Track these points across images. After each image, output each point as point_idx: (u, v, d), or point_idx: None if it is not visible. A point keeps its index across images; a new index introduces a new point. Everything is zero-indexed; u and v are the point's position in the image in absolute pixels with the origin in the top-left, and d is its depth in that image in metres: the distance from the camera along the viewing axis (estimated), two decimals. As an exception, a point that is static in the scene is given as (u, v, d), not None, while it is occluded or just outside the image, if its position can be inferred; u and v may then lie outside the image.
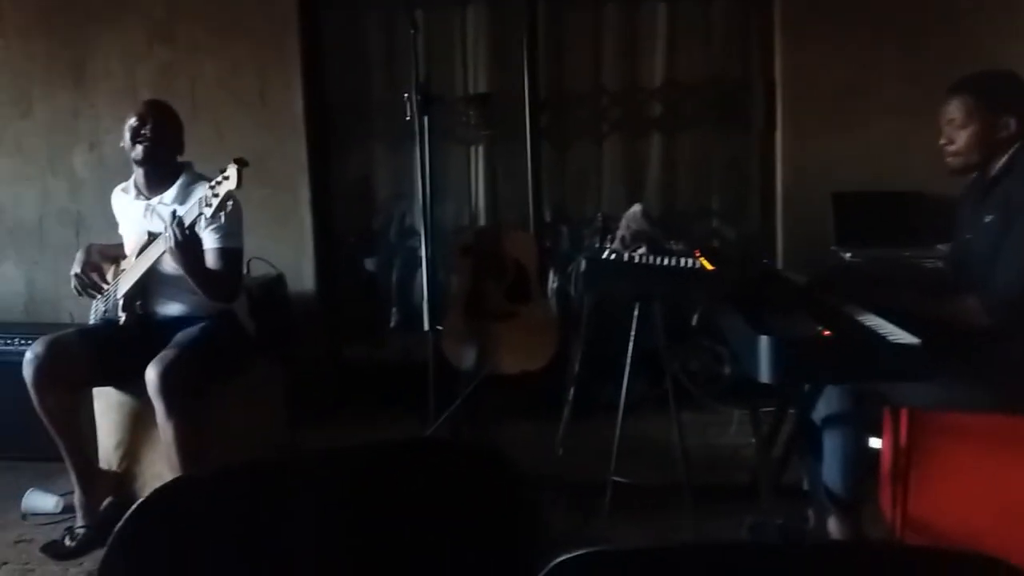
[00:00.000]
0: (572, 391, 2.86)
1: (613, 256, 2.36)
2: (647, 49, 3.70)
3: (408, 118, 2.90)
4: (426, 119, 2.85)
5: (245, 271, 2.93)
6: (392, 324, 3.92)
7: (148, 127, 2.61)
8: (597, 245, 2.57)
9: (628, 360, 2.46)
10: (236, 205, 2.48)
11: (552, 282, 3.44)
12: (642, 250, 2.40)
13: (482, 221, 3.70)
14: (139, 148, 2.62)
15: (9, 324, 3.44)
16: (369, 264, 3.95)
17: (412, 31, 2.92)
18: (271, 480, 1.06)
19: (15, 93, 3.70)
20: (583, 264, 2.60)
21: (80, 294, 2.71)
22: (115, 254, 2.76)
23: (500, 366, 3.01)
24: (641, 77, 3.72)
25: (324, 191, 3.80)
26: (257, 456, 1.05)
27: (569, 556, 0.83)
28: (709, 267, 2.24)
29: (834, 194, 3.36)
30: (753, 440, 2.45)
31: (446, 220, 3.77)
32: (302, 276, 3.67)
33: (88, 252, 2.72)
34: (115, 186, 2.81)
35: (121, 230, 2.78)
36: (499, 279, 3.21)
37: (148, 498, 0.92)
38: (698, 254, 2.34)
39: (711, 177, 3.76)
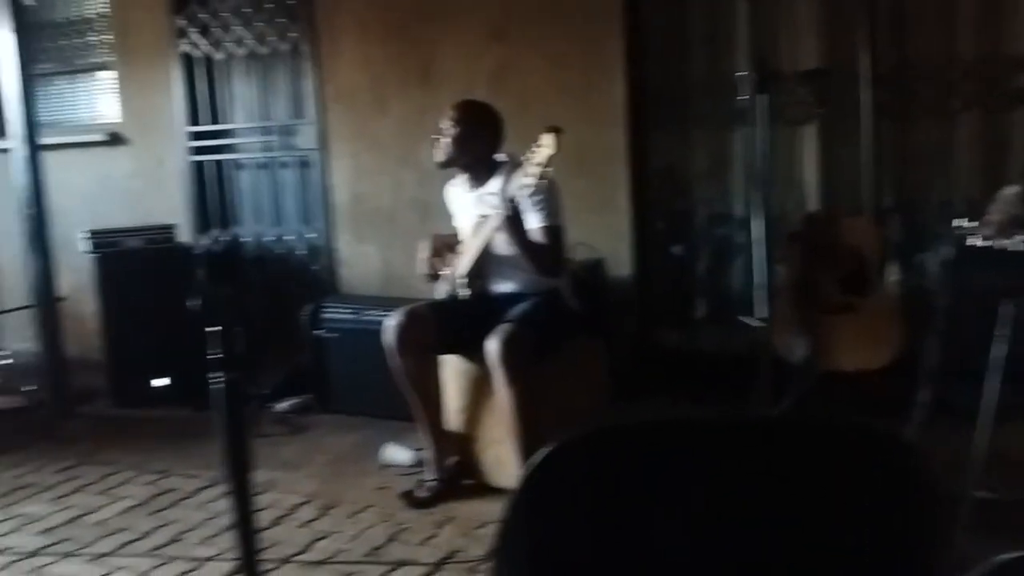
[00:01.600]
0: (924, 393, 2.60)
1: (984, 244, 2.11)
2: (1011, 10, 3.25)
3: (741, 98, 2.82)
4: (764, 98, 2.75)
5: (571, 255, 3.06)
6: (699, 313, 3.86)
7: (452, 130, 2.83)
8: (960, 232, 2.30)
9: (994, 362, 2.18)
10: (555, 187, 2.61)
11: (894, 273, 3.16)
12: (1021, 237, 2.11)
13: (811, 206, 3.49)
14: (440, 152, 2.84)
15: (369, 297, 3.93)
16: (678, 250, 3.93)
17: (746, 4, 2.83)
18: (659, 443, 1.06)
19: (374, 94, 4.18)
20: (946, 253, 2.35)
21: (428, 279, 3.00)
22: (453, 241, 3.03)
23: (835, 362, 2.83)
24: (1005, 44, 3.27)
25: (640, 178, 3.84)
26: (650, 417, 1.05)
27: (1010, 556, 0.74)
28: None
29: None
30: None
31: (770, 205, 3.62)
32: (619, 261, 3.75)
33: (432, 241, 3.01)
34: (451, 180, 3.08)
35: (456, 220, 3.04)
36: (833, 269, 3.02)
37: (548, 453, 0.96)
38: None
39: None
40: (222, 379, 1.68)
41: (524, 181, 2.49)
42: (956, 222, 2.29)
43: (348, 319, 3.72)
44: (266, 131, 4.51)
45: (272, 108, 4.50)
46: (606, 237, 3.70)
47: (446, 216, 3.23)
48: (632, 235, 3.78)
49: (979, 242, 2.17)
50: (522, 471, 0.95)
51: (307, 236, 4.43)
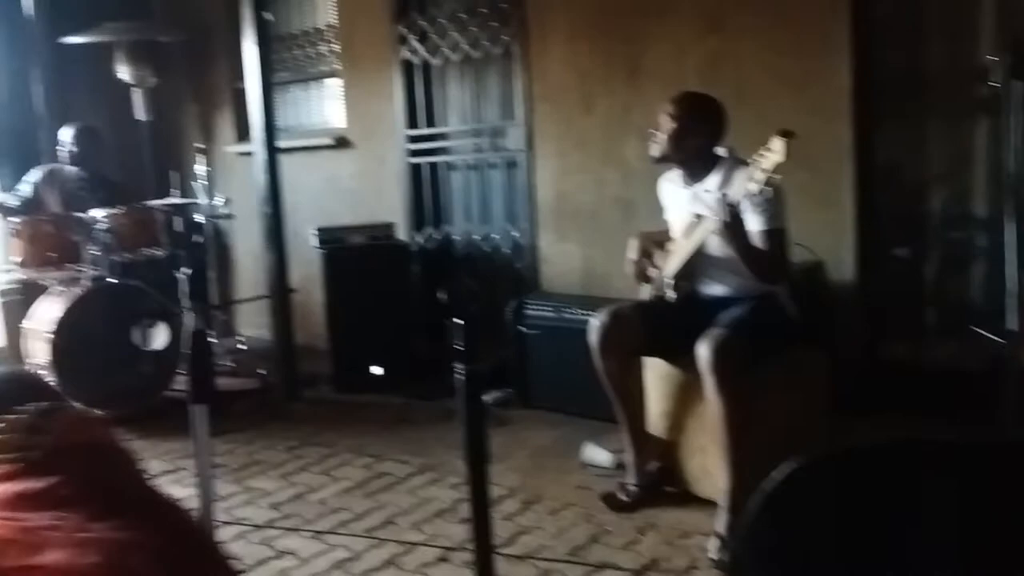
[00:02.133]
0: None
1: None
2: None
3: (991, 84, 2.52)
4: (1019, 85, 2.44)
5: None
6: (930, 322, 3.51)
7: (669, 124, 2.71)
8: None
9: None
10: (778, 186, 2.44)
11: None
12: None
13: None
14: (655, 146, 2.74)
15: (571, 296, 3.94)
16: (907, 254, 3.59)
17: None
18: (903, 466, 0.96)
19: (581, 92, 4.17)
20: None
21: (637, 279, 2.94)
22: (661, 239, 2.93)
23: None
24: None
25: (867, 174, 3.54)
26: (889, 439, 0.95)
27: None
28: None
29: None
30: None
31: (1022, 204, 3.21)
32: (841, 264, 3.49)
33: (640, 239, 2.94)
34: (661, 175, 2.98)
35: (667, 215, 2.94)
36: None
37: (793, 469, 0.89)
38: None
39: None
40: (463, 371, 1.73)
41: (748, 187, 2.35)
42: None
43: (549, 316, 3.75)
44: (477, 133, 4.65)
45: (483, 110, 4.63)
46: (827, 238, 3.45)
47: (649, 214, 3.15)
48: (856, 236, 3.50)
49: None
50: (763, 487, 0.89)
51: (512, 234, 4.52)
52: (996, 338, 2.55)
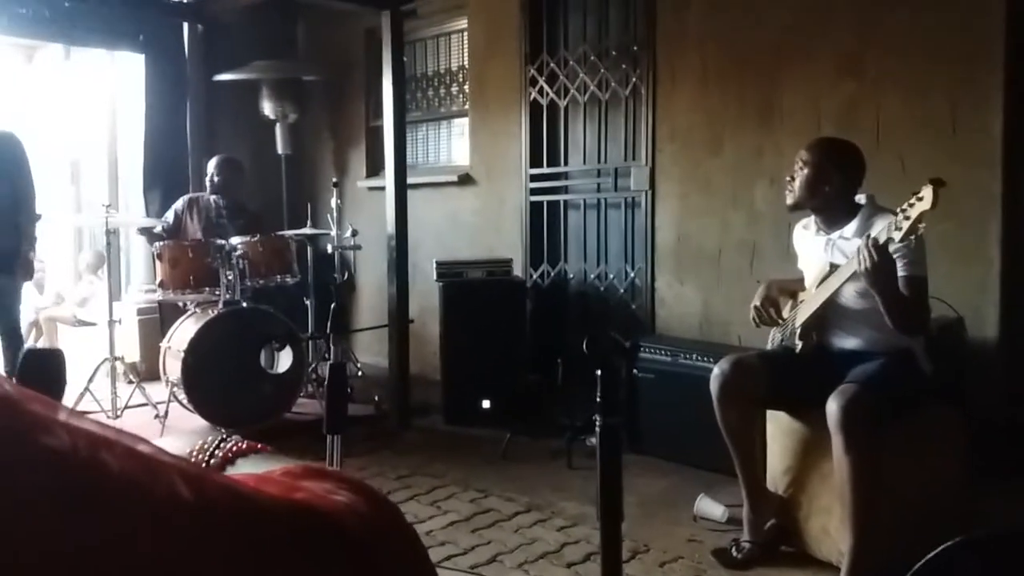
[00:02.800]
0: None
1: None
2: None
3: None
4: None
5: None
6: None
7: (803, 171, 2.61)
8: None
9: None
10: (920, 236, 2.30)
11: None
12: None
13: None
14: (789, 194, 2.65)
15: (687, 341, 3.84)
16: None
17: None
18: None
19: (709, 134, 4.11)
20: None
21: (758, 325, 2.83)
22: (793, 288, 2.82)
23: None
24: None
25: (1016, 227, 3.30)
26: None
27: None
28: None
29: None
30: None
31: None
32: (984, 321, 3.25)
33: (768, 287, 2.83)
34: (793, 221, 2.87)
35: (801, 264, 2.82)
36: None
37: (949, 547, 0.81)
38: None
39: None
40: (603, 423, 1.71)
41: (893, 235, 2.24)
42: None
43: (664, 360, 3.66)
44: (600, 173, 4.65)
45: (608, 150, 4.63)
46: (968, 292, 3.24)
47: (775, 260, 3.04)
48: (1001, 291, 3.27)
49: None
50: (916, 567, 0.81)
51: (629, 275, 4.46)
52: None
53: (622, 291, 4.51)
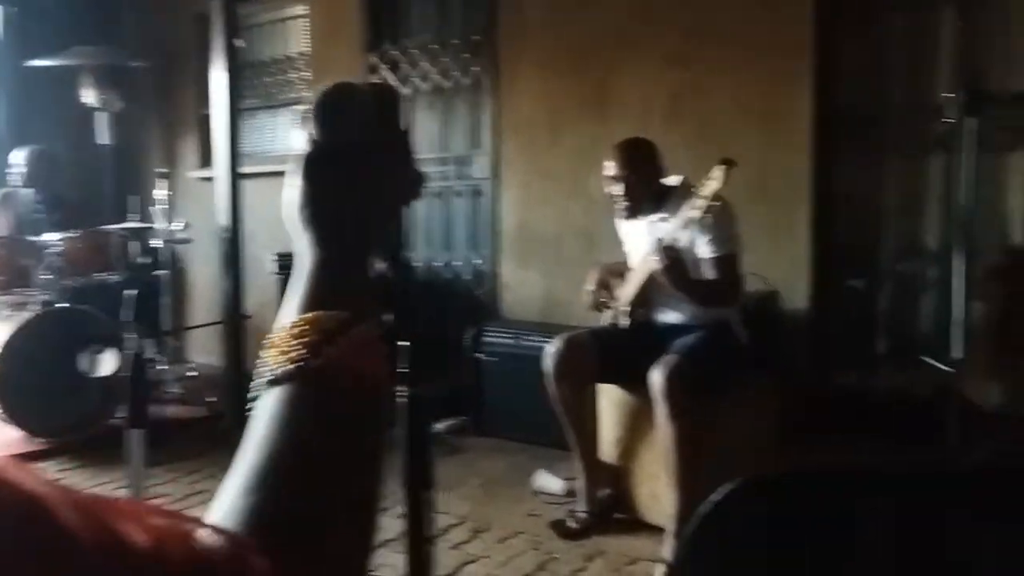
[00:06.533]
0: None
1: None
2: None
3: (945, 121, 2.57)
4: (972, 121, 2.49)
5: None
6: (879, 352, 3.53)
7: (619, 184, 2.75)
8: None
9: None
10: (726, 209, 2.48)
11: None
12: None
13: (1016, 240, 3.10)
14: (620, 210, 2.77)
15: (530, 323, 3.91)
16: (859, 285, 3.62)
17: (959, 24, 2.60)
18: (844, 492, 0.94)
19: (549, 124, 4.19)
20: None
21: (594, 308, 2.93)
22: (621, 270, 2.93)
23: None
24: None
25: (823, 207, 3.58)
26: (833, 464, 0.92)
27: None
28: None
29: None
30: None
31: (972, 238, 3.25)
32: (795, 294, 3.50)
33: (601, 271, 2.94)
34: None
35: (625, 247, 2.94)
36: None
37: (728, 493, 0.86)
38: None
39: None
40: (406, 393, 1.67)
41: (689, 215, 2.41)
42: None
43: (507, 343, 3.71)
44: (443, 161, 4.65)
45: (450, 139, 4.63)
46: (782, 268, 3.46)
47: (611, 245, 3.14)
48: (810, 267, 3.52)
49: None
50: (700, 510, 0.86)
51: (474, 262, 4.49)
52: (943, 367, 2.55)
53: (468, 277, 4.53)
